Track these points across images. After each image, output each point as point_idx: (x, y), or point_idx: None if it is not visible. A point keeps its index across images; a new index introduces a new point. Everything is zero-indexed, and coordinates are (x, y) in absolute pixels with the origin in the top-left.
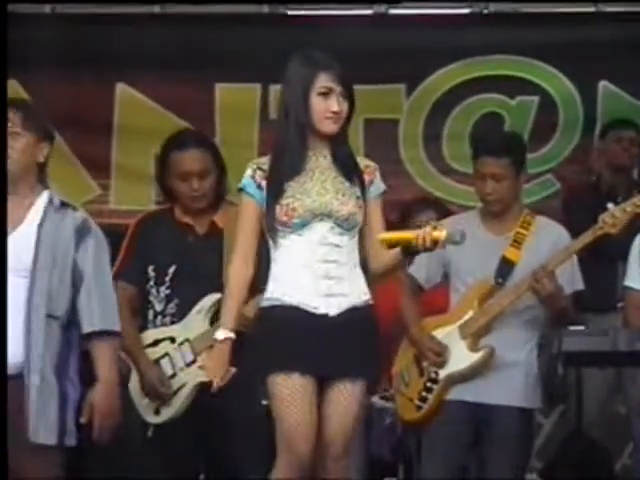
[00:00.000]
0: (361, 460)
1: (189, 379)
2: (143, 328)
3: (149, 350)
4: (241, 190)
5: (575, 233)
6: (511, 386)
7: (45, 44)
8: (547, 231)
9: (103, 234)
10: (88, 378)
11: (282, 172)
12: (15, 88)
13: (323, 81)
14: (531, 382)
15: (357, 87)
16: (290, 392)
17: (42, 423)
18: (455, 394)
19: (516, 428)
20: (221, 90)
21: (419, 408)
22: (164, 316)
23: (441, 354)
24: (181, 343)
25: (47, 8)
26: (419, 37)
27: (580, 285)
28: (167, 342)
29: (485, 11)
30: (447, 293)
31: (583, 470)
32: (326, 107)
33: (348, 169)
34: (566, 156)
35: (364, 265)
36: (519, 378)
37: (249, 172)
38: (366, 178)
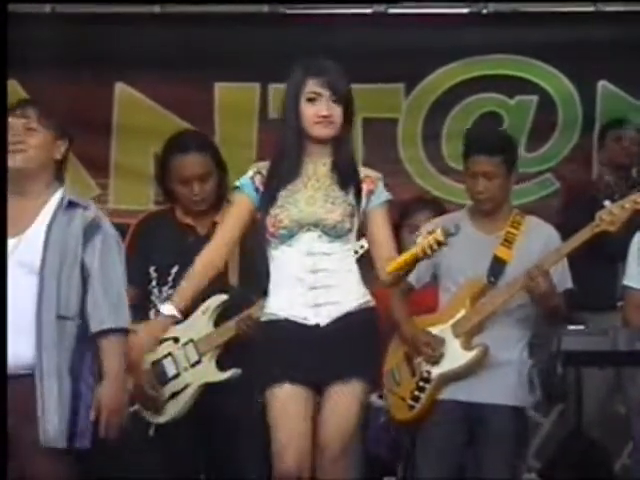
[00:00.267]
0: (358, 459)
1: (194, 379)
2: None
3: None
4: (237, 188)
5: (574, 232)
6: (504, 385)
7: (45, 44)
8: (537, 231)
9: (115, 231)
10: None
11: (277, 179)
12: (14, 88)
13: (311, 86)
14: (523, 381)
15: (356, 86)
16: (281, 404)
17: (53, 425)
18: (448, 393)
19: (510, 426)
20: (220, 89)
21: (412, 407)
22: None
23: (437, 348)
24: (185, 343)
25: (47, 8)
26: (418, 37)
27: (570, 284)
28: (170, 342)
29: (484, 11)
30: (436, 293)
31: (582, 470)
32: (315, 112)
33: (345, 177)
34: (565, 155)
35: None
36: (512, 377)
37: (249, 173)
38: (365, 187)
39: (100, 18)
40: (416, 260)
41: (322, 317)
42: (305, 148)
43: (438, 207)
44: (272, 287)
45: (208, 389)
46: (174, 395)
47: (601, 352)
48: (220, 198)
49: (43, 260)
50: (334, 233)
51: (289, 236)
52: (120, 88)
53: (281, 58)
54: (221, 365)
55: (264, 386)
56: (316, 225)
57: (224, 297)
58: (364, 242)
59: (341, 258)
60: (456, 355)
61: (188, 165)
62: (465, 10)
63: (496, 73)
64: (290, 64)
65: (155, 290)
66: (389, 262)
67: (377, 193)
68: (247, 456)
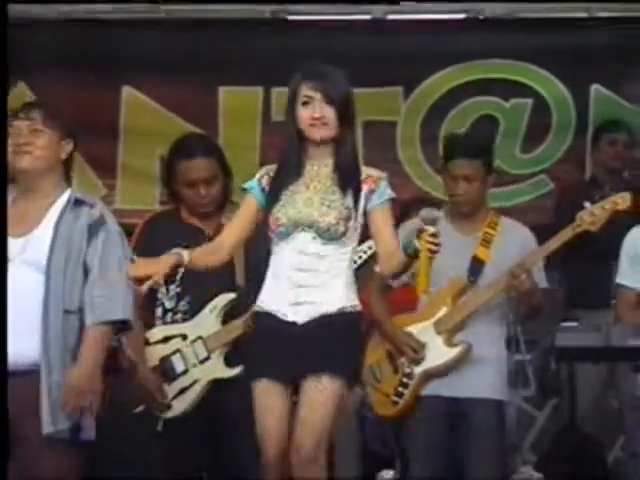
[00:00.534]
0: (356, 454)
1: (202, 376)
2: (151, 325)
3: (159, 347)
4: (245, 190)
5: None
6: (485, 379)
7: (54, 48)
8: (513, 232)
9: (119, 227)
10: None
11: (281, 180)
12: (24, 91)
13: (305, 90)
14: (503, 375)
15: (356, 90)
16: (260, 398)
17: (58, 417)
18: (431, 389)
19: (493, 419)
20: (224, 93)
21: (395, 403)
22: (175, 313)
23: (419, 350)
24: (193, 340)
25: (55, 13)
26: (416, 42)
27: (545, 283)
28: (178, 339)
29: (480, 16)
30: (412, 291)
31: (576, 462)
32: (309, 114)
33: (345, 178)
34: (559, 157)
35: None
36: (492, 372)
37: (257, 176)
38: (366, 187)
39: (107, 23)
40: (431, 262)
41: (300, 316)
42: (305, 150)
43: (437, 207)
44: (266, 281)
45: (216, 386)
46: (182, 391)
47: (594, 348)
48: (225, 200)
49: (50, 258)
50: (328, 235)
51: (286, 234)
52: (127, 91)
53: (283, 63)
54: (229, 362)
55: (249, 378)
56: (311, 226)
57: (232, 296)
58: (371, 243)
59: (333, 261)
60: (439, 352)
61: (194, 169)
62: (462, 16)
63: (492, 77)
64: (292, 68)
65: (162, 288)
66: (392, 257)
67: (379, 192)
68: (251, 452)
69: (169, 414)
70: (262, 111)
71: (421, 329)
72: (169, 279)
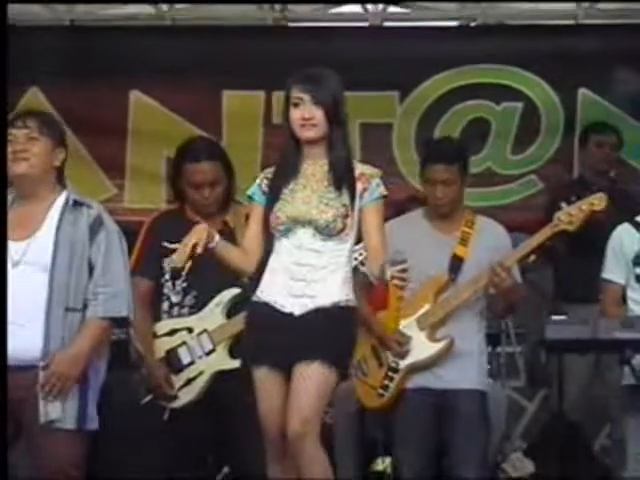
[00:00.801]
0: (354, 441)
1: (207, 367)
2: (157, 319)
3: (165, 339)
4: (250, 198)
5: None
6: (467, 371)
7: (65, 55)
8: (488, 230)
9: (117, 227)
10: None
11: (279, 179)
12: (37, 96)
13: (295, 92)
14: (483, 367)
15: (354, 94)
16: (260, 384)
17: (64, 408)
18: (416, 382)
19: (476, 408)
20: (228, 97)
21: (381, 396)
22: (181, 307)
23: (404, 344)
24: (199, 333)
25: (67, 21)
26: (412, 48)
27: (519, 280)
28: (184, 332)
29: (472, 24)
30: (386, 289)
31: (564, 450)
32: (299, 115)
33: (338, 177)
34: (548, 158)
35: None
36: (474, 364)
37: (257, 181)
38: (359, 186)
39: (116, 30)
40: (400, 299)
41: (297, 307)
42: (301, 150)
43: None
44: (265, 274)
45: (221, 376)
46: (189, 381)
47: (582, 340)
48: (228, 200)
49: (54, 258)
50: (326, 232)
51: (287, 231)
52: (135, 96)
53: (284, 68)
54: (233, 354)
55: (248, 364)
56: (309, 223)
57: (237, 291)
58: (361, 249)
59: (331, 257)
60: (423, 347)
61: (200, 172)
62: (455, 23)
63: (484, 81)
64: (292, 73)
65: (168, 283)
66: (378, 258)
67: (370, 190)
68: (254, 439)
69: (176, 404)
70: (264, 114)
71: (405, 325)
72: (176, 276)
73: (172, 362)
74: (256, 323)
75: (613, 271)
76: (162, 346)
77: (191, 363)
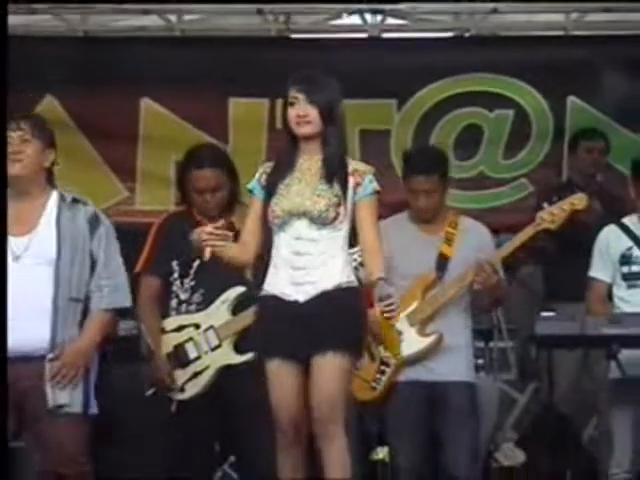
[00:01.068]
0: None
1: (213, 362)
2: (166, 315)
3: (173, 335)
4: (250, 191)
5: None
6: (456, 364)
7: (79, 64)
8: (471, 229)
9: (111, 224)
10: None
11: (276, 174)
12: (52, 103)
13: (292, 92)
14: (470, 360)
15: (354, 101)
16: (272, 375)
17: (70, 393)
18: (407, 375)
19: (466, 399)
20: (234, 104)
21: (374, 389)
22: (189, 304)
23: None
24: (206, 329)
25: (80, 33)
26: (409, 58)
27: (502, 276)
28: (191, 328)
29: (466, 35)
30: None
31: (554, 440)
32: (295, 113)
33: (331, 171)
34: (538, 162)
35: None
36: (462, 357)
37: (257, 175)
38: (351, 180)
39: (128, 41)
40: (392, 328)
41: (301, 294)
42: (298, 147)
43: None
44: (270, 267)
45: (226, 371)
46: (195, 375)
47: (571, 336)
48: (231, 204)
49: (58, 252)
50: (320, 221)
51: (283, 223)
52: (145, 103)
53: (287, 76)
54: (238, 349)
55: (260, 357)
56: (304, 214)
57: (242, 289)
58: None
59: (327, 244)
60: (413, 342)
61: (202, 179)
62: (450, 34)
63: (477, 90)
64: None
65: (177, 282)
66: (373, 253)
67: (364, 185)
68: (260, 431)
69: (183, 396)
70: (268, 120)
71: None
72: (184, 275)
73: (179, 356)
74: (265, 316)
75: (599, 270)
76: (170, 341)
77: (197, 358)
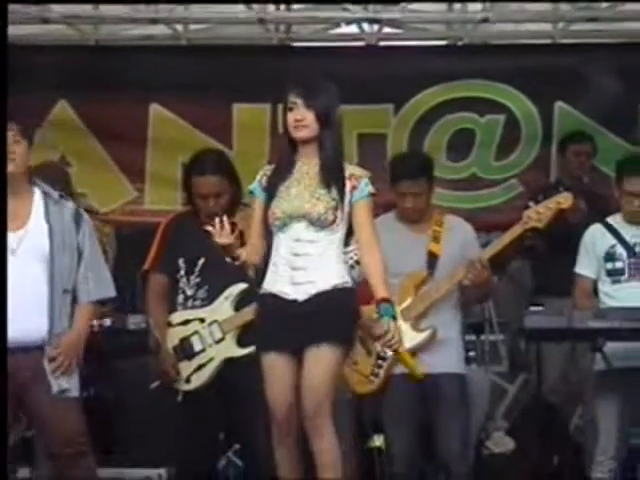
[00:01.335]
0: (349, 420)
1: (217, 354)
2: (173, 310)
3: (180, 328)
4: (251, 193)
5: None
6: (448, 357)
7: (91, 71)
8: (456, 227)
9: (89, 220)
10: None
11: (276, 178)
12: (65, 108)
13: (290, 98)
14: (461, 353)
15: (352, 107)
16: (268, 368)
17: (68, 381)
18: (402, 368)
19: (457, 389)
20: (238, 109)
21: (372, 382)
22: (195, 300)
23: (396, 336)
24: (210, 323)
25: (92, 42)
26: (405, 65)
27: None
28: (197, 322)
29: (459, 43)
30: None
31: (542, 429)
32: (293, 118)
33: (328, 174)
34: (528, 164)
35: None
36: (453, 350)
37: (258, 177)
38: (348, 184)
39: (137, 50)
40: (402, 355)
41: (300, 294)
42: (296, 150)
43: None
44: (269, 268)
45: (229, 363)
46: (200, 367)
47: (558, 329)
48: (234, 206)
49: (51, 245)
50: (319, 224)
51: (283, 225)
52: (154, 109)
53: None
54: (241, 343)
55: (258, 352)
56: (303, 217)
57: (244, 286)
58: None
59: (325, 245)
60: (408, 337)
61: (205, 185)
62: (444, 42)
63: (469, 95)
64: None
65: (183, 279)
66: (369, 246)
67: (360, 188)
68: (260, 418)
69: (189, 387)
70: (270, 124)
71: None
72: (190, 272)
73: (185, 349)
74: (265, 312)
75: (585, 267)
76: (177, 335)
77: (202, 350)
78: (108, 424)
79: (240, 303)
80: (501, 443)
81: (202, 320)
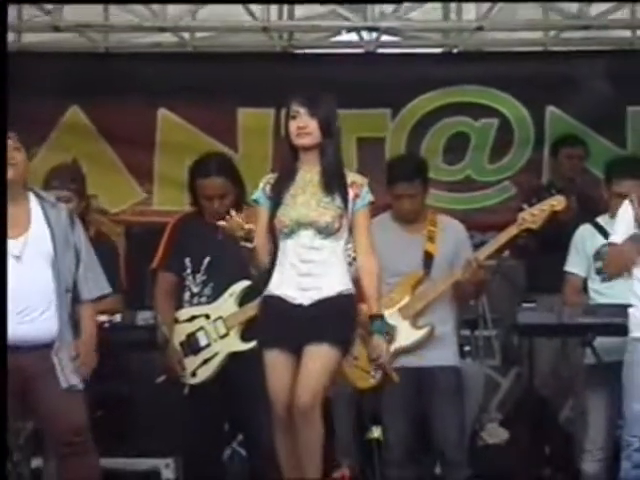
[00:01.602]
0: (349, 412)
1: (221, 349)
2: (180, 307)
3: (186, 324)
4: (255, 201)
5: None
6: (444, 351)
7: (101, 77)
8: (450, 227)
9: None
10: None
11: (281, 186)
12: (77, 113)
13: (293, 107)
14: (457, 347)
15: (351, 111)
16: (270, 365)
17: (69, 375)
18: (400, 362)
19: (454, 381)
20: (242, 114)
21: (373, 377)
22: (200, 297)
23: (393, 334)
24: (215, 319)
25: (102, 49)
26: (402, 71)
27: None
28: (202, 318)
29: (455, 50)
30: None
31: (534, 420)
32: (295, 125)
33: (330, 182)
34: (521, 167)
35: None
36: (449, 345)
37: (261, 186)
38: (351, 192)
39: (145, 57)
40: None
41: (306, 299)
42: (298, 158)
43: None
44: (274, 271)
45: (233, 357)
46: (206, 361)
47: (549, 325)
48: (238, 206)
49: (54, 247)
50: (326, 232)
51: (291, 232)
52: (162, 113)
53: (291, 88)
54: (244, 338)
55: (261, 349)
56: (310, 225)
57: (247, 283)
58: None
59: (330, 252)
60: (407, 334)
61: (209, 187)
62: (439, 50)
63: (464, 100)
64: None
65: (190, 277)
66: (367, 252)
67: (362, 197)
68: (262, 410)
69: (195, 380)
70: (273, 128)
71: (389, 315)
72: (196, 271)
73: (192, 344)
74: (270, 314)
75: (575, 265)
76: (183, 330)
77: (208, 345)
78: (122, 417)
79: (243, 300)
80: (495, 434)
81: (207, 316)
